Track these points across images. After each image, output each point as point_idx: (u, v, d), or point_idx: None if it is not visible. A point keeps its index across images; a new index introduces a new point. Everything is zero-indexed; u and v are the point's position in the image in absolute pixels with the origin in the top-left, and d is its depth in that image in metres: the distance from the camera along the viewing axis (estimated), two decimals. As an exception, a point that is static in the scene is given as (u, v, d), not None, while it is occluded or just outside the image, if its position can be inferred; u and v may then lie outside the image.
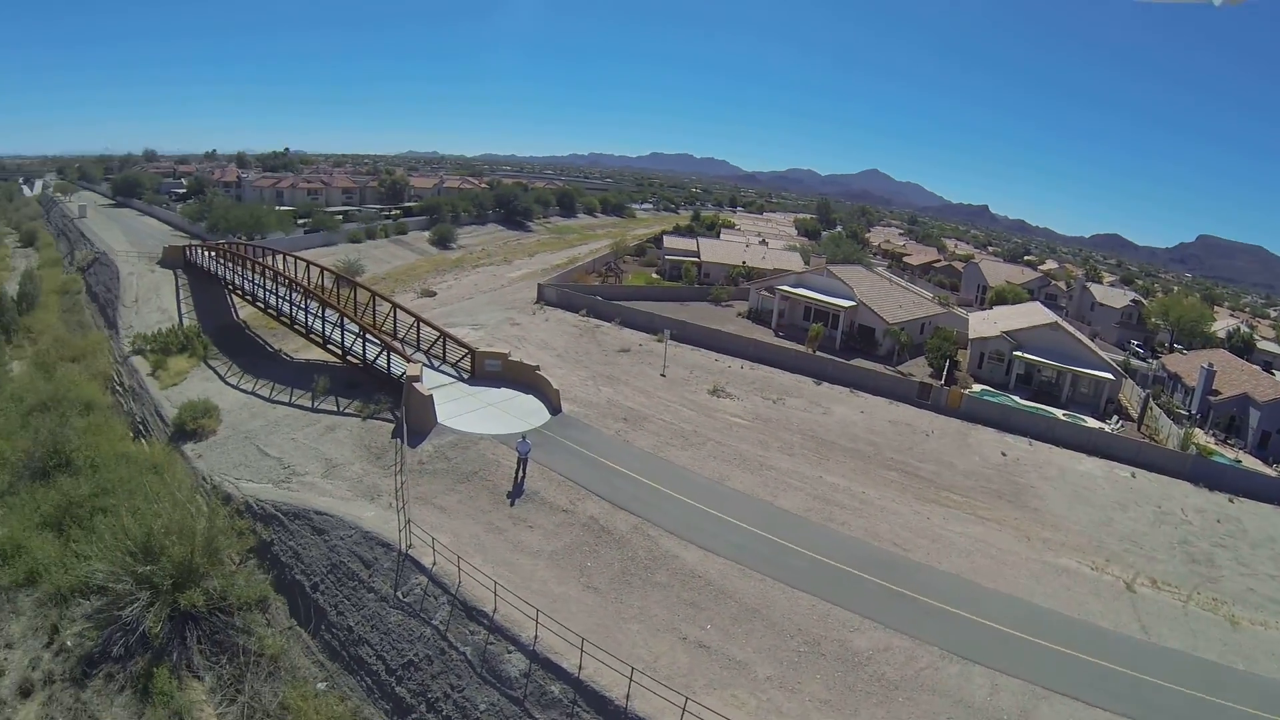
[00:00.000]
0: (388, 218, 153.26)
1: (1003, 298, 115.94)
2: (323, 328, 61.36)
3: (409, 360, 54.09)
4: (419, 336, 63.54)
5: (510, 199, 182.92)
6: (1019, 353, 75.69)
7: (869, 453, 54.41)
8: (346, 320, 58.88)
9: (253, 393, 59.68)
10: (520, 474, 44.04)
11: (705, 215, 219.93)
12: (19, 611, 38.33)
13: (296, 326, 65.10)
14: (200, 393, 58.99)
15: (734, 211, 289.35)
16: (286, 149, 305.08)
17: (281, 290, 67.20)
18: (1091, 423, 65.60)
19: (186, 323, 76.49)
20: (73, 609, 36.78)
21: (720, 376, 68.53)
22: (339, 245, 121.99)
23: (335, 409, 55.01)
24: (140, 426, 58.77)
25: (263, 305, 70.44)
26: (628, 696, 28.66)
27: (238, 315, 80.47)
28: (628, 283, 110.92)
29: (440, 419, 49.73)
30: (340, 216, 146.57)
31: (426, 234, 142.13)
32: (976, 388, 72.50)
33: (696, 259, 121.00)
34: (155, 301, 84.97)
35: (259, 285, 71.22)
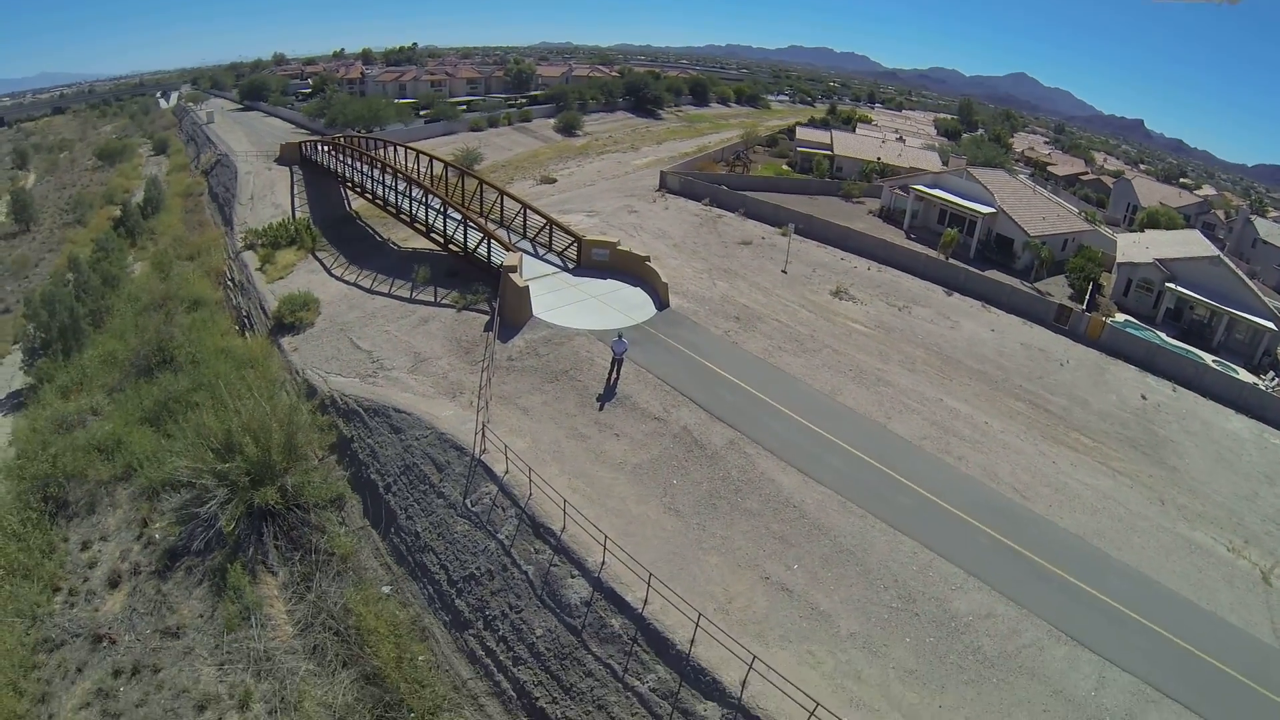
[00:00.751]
0: (512, 106, 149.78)
1: (1155, 220, 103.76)
2: (426, 215, 58.45)
3: (509, 248, 50.63)
4: (525, 224, 60.08)
5: (641, 86, 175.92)
6: (1172, 285, 66.31)
7: (996, 377, 48.79)
8: (450, 208, 55.48)
9: (354, 284, 58.06)
10: (614, 375, 40.38)
11: (842, 109, 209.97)
12: (116, 504, 39.42)
13: (402, 215, 62.39)
14: (304, 285, 57.67)
15: (872, 108, 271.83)
16: (414, 45, 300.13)
17: (390, 181, 64.78)
18: (1245, 375, 57.20)
19: (299, 216, 75.38)
20: (162, 503, 36.87)
21: (845, 277, 62.93)
22: (459, 134, 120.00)
23: (432, 299, 52.57)
24: (246, 320, 58.08)
25: (370, 195, 68.30)
26: (692, 642, 25.88)
27: (350, 206, 78.94)
28: (756, 173, 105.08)
29: (537, 312, 46.46)
30: (463, 107, 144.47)
31: (552, 121, 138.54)
32: (1120, 317, 64.55)
33: (829, 152, 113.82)
34: (270, 198, 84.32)
35: (368, 176, 68.73)
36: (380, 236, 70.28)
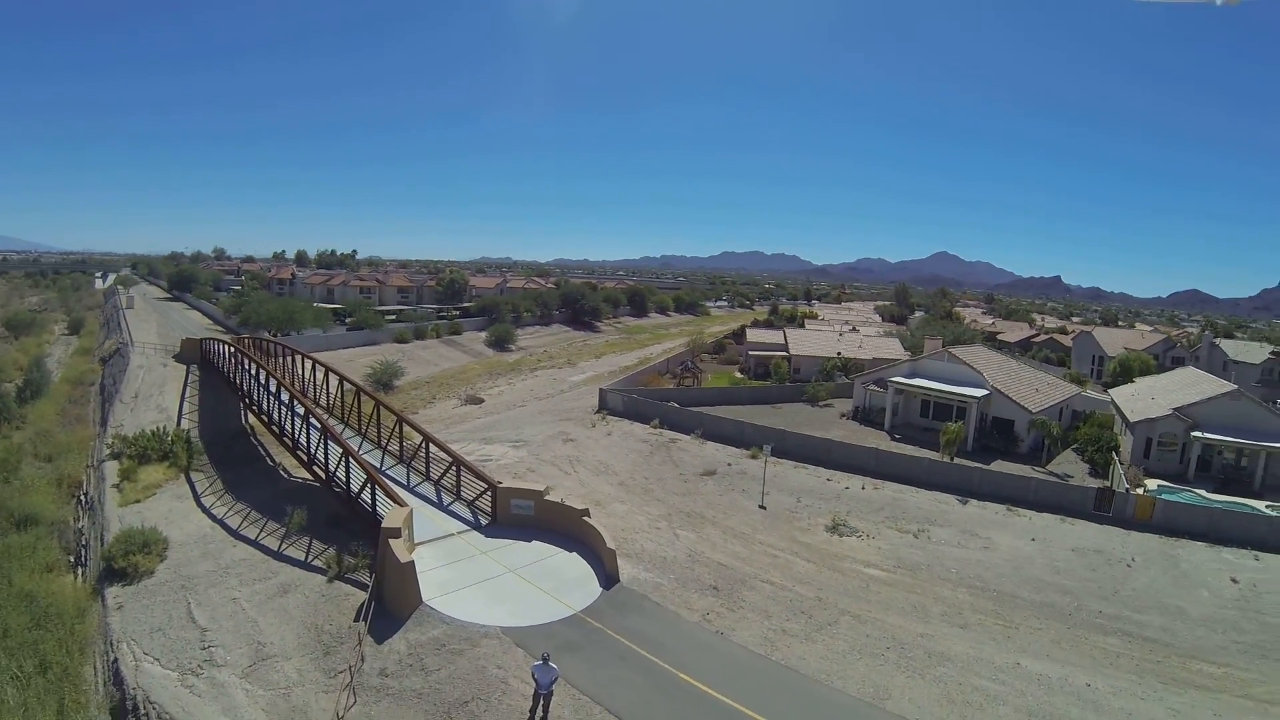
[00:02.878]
0: (443, 318, 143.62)
1: (1128, 367, 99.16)
2: (308, 440, 45.74)
3: (395, 499, 36.88)
4: (427, 459, 46.78)
5: (577, 298, 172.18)
6: (1198, 433, 59.71)
7: (1066, 607, 37.79)
8: (329, 435, 42.95)
9: (221, 520, 45.78)
10: (539, 715, 25.52)
11: (783, 308, 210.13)
12: None
13: (285, 438, 50.14)
14: (162, 514, 46.61)
15: (810, 304, 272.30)
16: (354, 252, 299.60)
17: (283, 395, 52.48)
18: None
19: (185, 424, 64.38)
20: None
21: (838, 503, 51.20)
22: (382, 345, 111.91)
23: (303, 557, 39.25)
24: (82, 552, 45.99)
25: (256, 409, 56.45)
26: None
27: (246, 420, 66.64)
28: (708, 384, 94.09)
29: (429, 595, 32.11)
30: (391, 316, 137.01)
31: (483, 335, 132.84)
32: (1151, 484, 56.42)
33: (785, 353, 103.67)
34: (156, 399, 72.22)
35: (262, 387, 56.44)
36: (272, 460, 57.56)
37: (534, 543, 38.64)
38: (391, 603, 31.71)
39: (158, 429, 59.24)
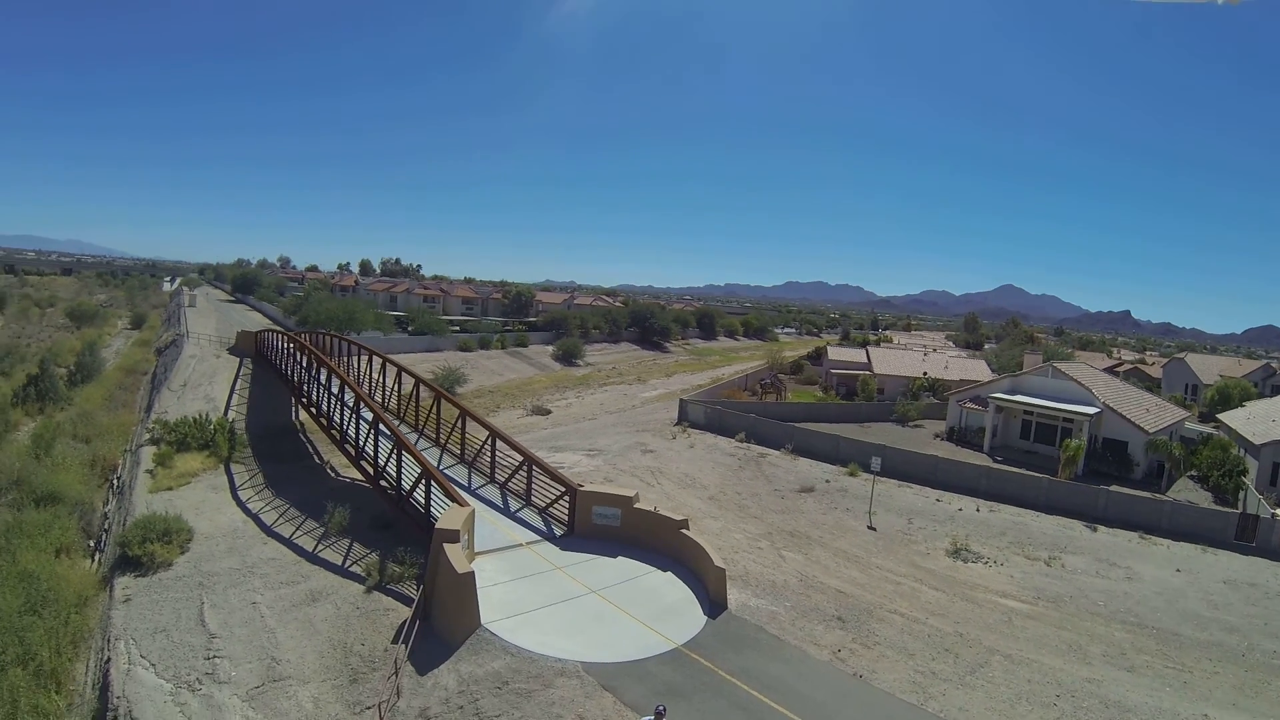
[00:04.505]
0: (509, 330, 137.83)
1: (1227, 394, 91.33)
2: (357, 433, 39.68)
3: (455, 497, 30.33)
4: (493, 461, 40.29)
5: (647, 316, 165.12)
6: None
7: (1237, 647, 31.87)
8: (381, 423, 36.72)
9: (256, 515, 40.21)
10: None
11: (855, 335, 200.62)
12: None
13: (333, 430, 44.21)
14: (193, 504, 41.22)
15: (877, 333, 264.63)
16: (419, 266, 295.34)
17: (336, 388, 46.56)
18: None
19: (231, 415, 59.08)
20: None
21: (952, 525, 44.53)
22: (444, 352, 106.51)
23: (340, 562, 32.93)
24: (103, 535, 40.56)
25: (306, 401, 50.64)
26: None
27: (296, 416, 61.55)
28: (791, 400, 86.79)
29: (489, 617, 25.26)
30: (455, 327, 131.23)
31: (550, 348, 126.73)
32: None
33: (869, 371, 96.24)
34: (205, 388, 67.06)
35: (314, 380, 51.09)
36: (320, 458, 52.06)
37: (620, 558, 31.80)
38: (442, 623, 25.17)
39: (200, 416, 54.36)
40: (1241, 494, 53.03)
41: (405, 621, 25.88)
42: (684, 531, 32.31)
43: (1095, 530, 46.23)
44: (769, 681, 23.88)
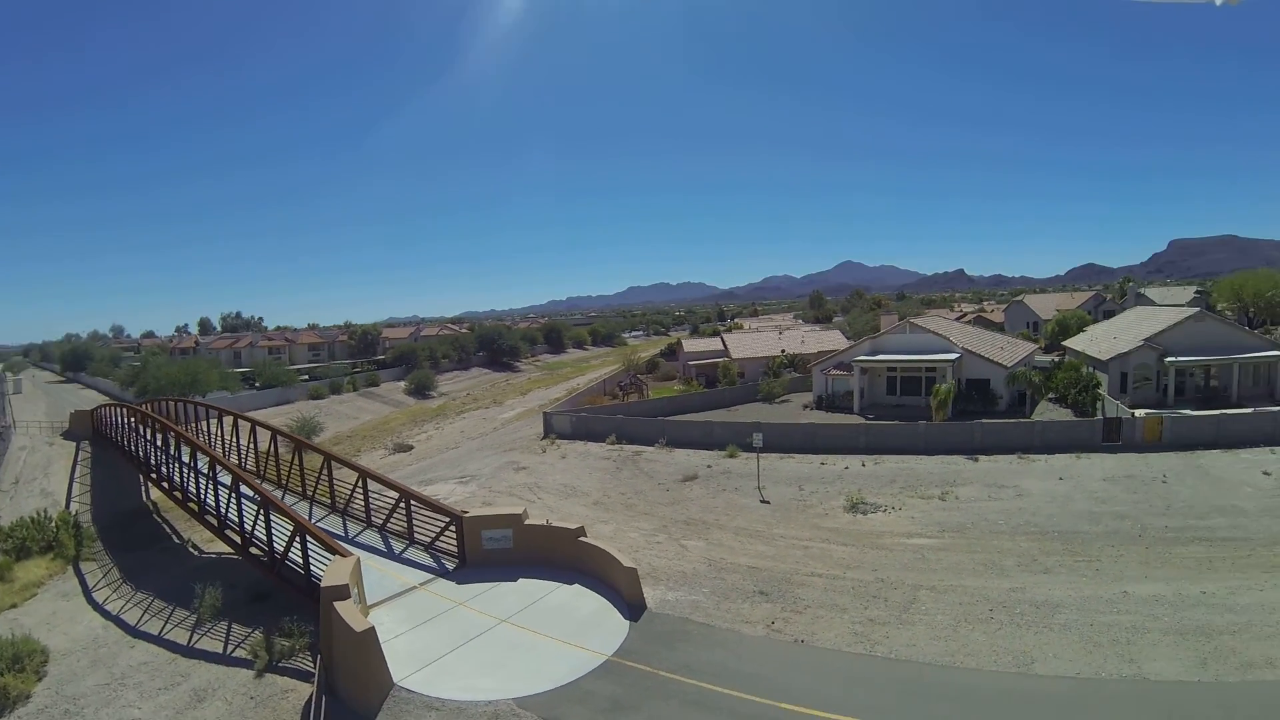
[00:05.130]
0: (358, 371, 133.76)
1: (1065, 326, 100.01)
2: (215, 500, 35.21)
3: (335, 548, 27.21)
4: (367, 504, 36.99)
5: (494, 338, 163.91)
6: (1171, 358, 60.74)
7: (1131, 530, 35.04)
8: (244, 485, 32.63)
9: (117, 617, 34.49)
10: None
11: (704, 328, 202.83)
12: None
13: (190, 503, 39.09)
14: (44, 618, 35.60)
15: (724, 324, 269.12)
16: (260, 318, 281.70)
17: (187, 456, 41.40)
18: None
19: (74, 507, 52.10)
20: None
21: (843, 484, 44.93)
22: (296, 403, 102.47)
23: (220, 650, 28.87)
24: None
25: (156, 476, 45.02)
26: None
27: (147, 496, 55.57)
28: (656, 395, 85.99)
29: (400, 677, 22.35)
30: (304, 376, 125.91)
31: (402, 384, 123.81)
32: (1139, 413, 54.38)
33: (727, 358, 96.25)
34: (40, 483, 59.60)
35: (161, 451, 45.41)
36: (179, 538, 47.18)
37: (521, 580, 29.50)
38: (350, 692, 21.98)
39: (39, 515, 47.71)
40: (1099, 404, 57.94)
41: (309, 700, 22.74)
42: (582, 540, 30.36)
43: (976, 460, 48.40)
44: (713, 670, 22.38)
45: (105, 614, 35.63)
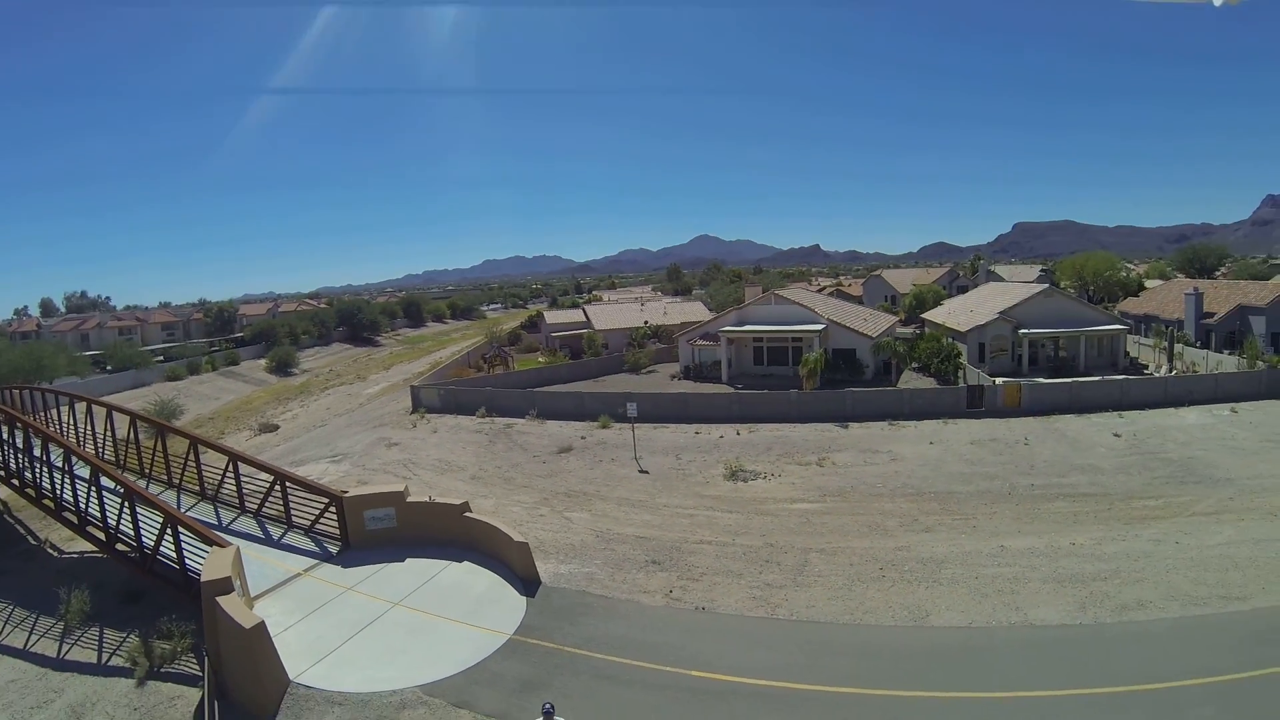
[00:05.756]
0: (216, 349, 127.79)
1: (922, 300, 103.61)
2: (74, 494, 31.89)
3: (213, 539, 24.90)
4: (239, 489, 34.25)
5: (354, 313, 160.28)
6: (1024, 330, 64.57)
7: (1000, 489, 37.14)
8: (104, 477, 29.56)
9: None
10: None
11: (563, 300, 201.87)
12: None
13: (45, 500, 35.05)
14: None
15: (582, 296, 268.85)
16: (108, 298, 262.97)
17: (37, 446, 36.75)
18: (1157, 374, 59.58)
19: None
20: None
21: (720, 453, 45.66)
22: (153, 385, 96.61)
23: (94, 659, 25.75)
24: None
25: (5, 474, 40.14)
26: None
27: None
28: (519, 368, 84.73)
29: (295, 672, 20.86)
30: (159, 357, 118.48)
31: (262, 362, 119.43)
32: (997, 381, 57.31)
33: (590, 329, 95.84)
34: None
35: (9, 446, 40.21)
36: (35, 538, 42.31)
37: (409, 560, 28.20)
38: (244, 693, 20.19)
39: None
40: (961, 373, 60.18)
41: (199, 705, 20.73)
42: (468, 515, 29.27)
43: (848, 428, 49.86)
44: (619, 642, 21.96)
45: (-43, 635, 31.87)
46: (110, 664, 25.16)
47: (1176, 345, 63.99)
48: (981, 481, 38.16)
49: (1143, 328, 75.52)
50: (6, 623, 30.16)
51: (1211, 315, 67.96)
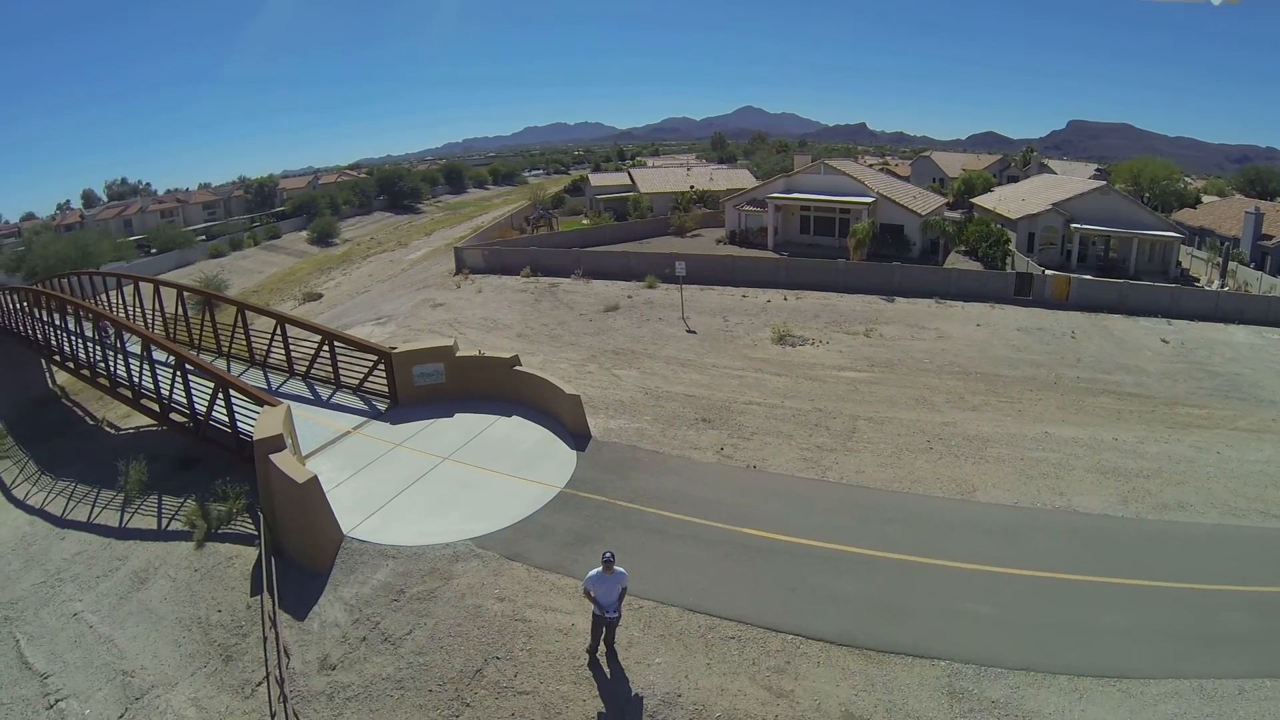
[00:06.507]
0: (258, 224, 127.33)
1: (971, 185, 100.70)
2: (129, 370, 31.83)
3: (263, 399, 24.72)
4: (288, 352, 34.17)
5: (394, 181, 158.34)
6: (1076, 225, 61.55)
7: (1046, 378, 36.53)
8: (154, 346, 29.60)
9: (41, 510, 31.16)
10: (609, 661, 16.02)
11: (606, 166, 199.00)
12: None
13: (100, 379, 35.18)
14: None
15: (625, 163, 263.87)
16: (148, 184, 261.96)
17: (91, 331, 37.47)
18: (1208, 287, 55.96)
19: None
20: None
21: (767, 316, 45.50)
22: (197, 264, 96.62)
23: (154, 526, 26.41)
24: None
25: (60, 359, 40.66)
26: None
27: (53, 381, 51.55)
28: (565, 229, 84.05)
29: (348, 527, 20.92)
30: (201, 237, 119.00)
31: (304, 234, 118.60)
32: (1047, 272, 55.79)
33: (635, 192, 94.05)
34: None
35: (63, 330, 40.66)
36: (94, 419, 43.69)
37: (457, 416, 28.09)
38: (300, 549, 20.45)
39: None
40: (1009, 259, 59.68)
41: (255, 564, 21.18)
42: (518, 369, 28.93)
43: (894, 302, 49.56)
44: (670, 497, 21.86)
45: (28, 509, 32.72)
46: (170, 529, 25.71)
47: (1231, 262, 60.69)
48: (1027, 368, 37.65)
49: (1196, 240, 71.89)
50: (71, 499, 31.05)
51: (1270, 238, 64.41)
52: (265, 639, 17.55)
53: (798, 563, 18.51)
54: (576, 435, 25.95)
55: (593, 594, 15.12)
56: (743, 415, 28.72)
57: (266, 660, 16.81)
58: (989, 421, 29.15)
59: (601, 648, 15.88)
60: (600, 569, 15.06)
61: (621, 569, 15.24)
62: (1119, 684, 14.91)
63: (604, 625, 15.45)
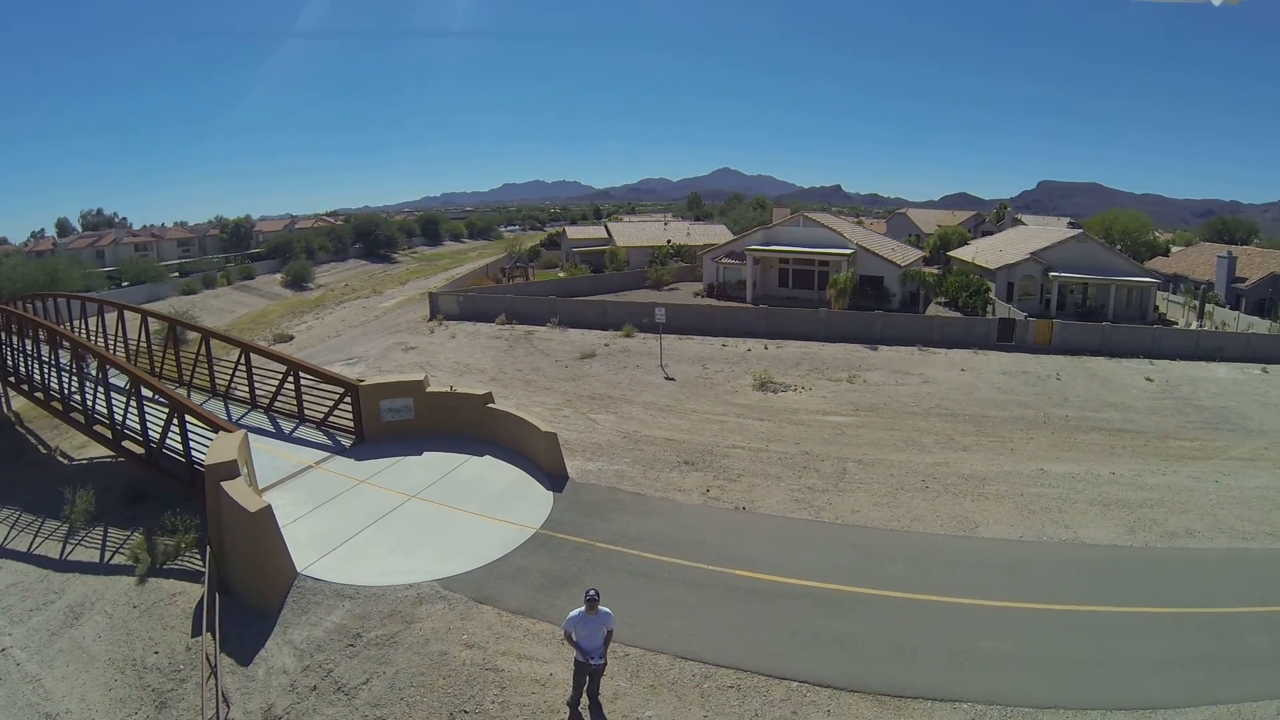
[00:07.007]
0: (231, 264, 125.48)
1: (947, 240, 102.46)
2: (83, 394, 30.27)
3: (219, 426, 22.93)
4: (250, 383, 32.45)
5: (371, 229, 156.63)
6: (1055, 273, 62.13)
7: (1035, 418, 36.38)
8: (110, 366, 28.03)
9: None
10: (592, 715, 14.24)
11: (583, 223, 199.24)
12: None
13: (54, 403, 33.58)
14: None
15: (602, 220, 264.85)
16: (124, 218, 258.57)
17: (50, 354, 35.72)
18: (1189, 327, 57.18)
19: None
20: None
21: (747, 364, 44.82)
22: (169, 299, 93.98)
23: (96, 558, 24.38)
24: None
25: (15, 380, 39.15)
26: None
27: (9, 406, 48.71)
28: (541, 280, 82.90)
29: (303, 564, 19.10)
30: (175, 273, 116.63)
31: (278, 276, 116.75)
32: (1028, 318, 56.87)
33: (612, 245, 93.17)
34: None
35: (18, 352, 39.20)
36: (46, 447, 41.09)
37: (426, 454, 26.42)
38: (248, 587, 18.59)
39: None
40: (989, 307, 59.83)
41: (199, 601, 18.92)
42: (491, 406, 27.52)
43: (877, 350, 49.25)
44: (655, 539, 20.36)
45: (-36, 544, 30.79)
46: (111, 563, 23.87)
47: (1207, 305, 61.92)
48: (1015, 409, 37.32)
49: (1171, 286, 72.16)
50: (12, 528, 28.96)
51: (1243, 280, 66.01)
52: (204, 685, 15.60)
53: (796, 605, 17.11)
54: (553, 476, 24.49)
55: (574, 637, 13.58)
56: (727, 458, 27.43)
57: (204, 709, 14.85)
58: (982, 460, 28.54)
59: (584, 699, 14.22)
60: (583, 609, 13.58)
61: (607, 609, 13.76)
62: (1154, 716, 14.09)
63: (587, 673, 13.84)
